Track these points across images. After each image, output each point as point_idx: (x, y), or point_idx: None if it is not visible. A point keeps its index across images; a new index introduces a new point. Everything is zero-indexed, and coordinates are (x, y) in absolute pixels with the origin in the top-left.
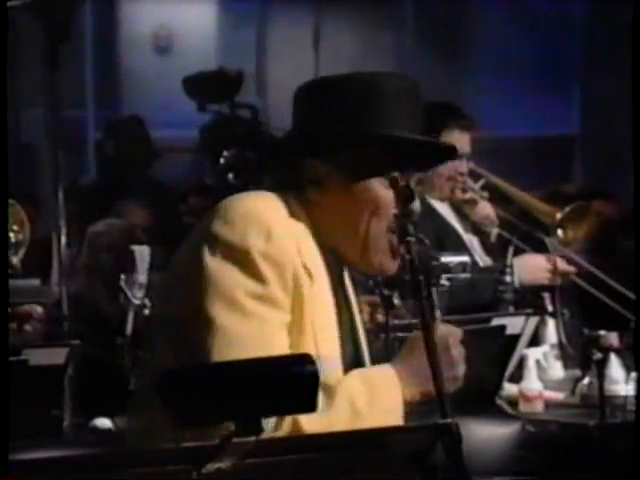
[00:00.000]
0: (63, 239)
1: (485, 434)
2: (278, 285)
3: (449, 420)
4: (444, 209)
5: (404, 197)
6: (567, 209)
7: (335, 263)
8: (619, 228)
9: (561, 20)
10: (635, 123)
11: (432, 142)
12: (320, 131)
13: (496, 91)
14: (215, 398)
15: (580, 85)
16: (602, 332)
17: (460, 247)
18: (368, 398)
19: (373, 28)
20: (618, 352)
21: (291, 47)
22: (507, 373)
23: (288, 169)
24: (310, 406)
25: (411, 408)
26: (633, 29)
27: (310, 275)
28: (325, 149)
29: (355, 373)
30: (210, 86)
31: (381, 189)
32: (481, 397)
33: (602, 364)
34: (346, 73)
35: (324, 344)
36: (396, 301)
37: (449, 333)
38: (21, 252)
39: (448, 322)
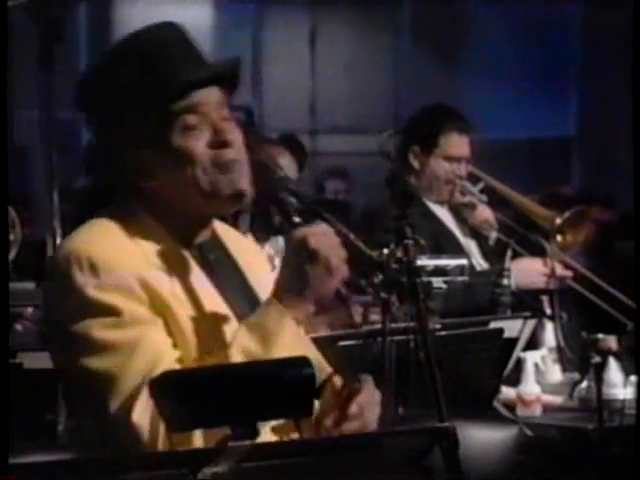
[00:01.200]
0: (58, 241)
1: (482, 438)
2: (129, 303)
3: (446, 424)
4: (442, 212)
5: (402, 199)
6: (567, 214)
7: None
8: (616, 231)
9: (558, 23)
10: (635, 124)
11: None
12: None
13: (493, 93)
14: (211, 402)
15: (577, 87)
16: (600, 335)
17: (458, 251)
18: (262, 342)
19: (369, 29)
20: (617, 355)
21: (287, 48)
22: (505, 376)
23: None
24: (307, 409)
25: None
26: (634, 30)
27: (164, 272)
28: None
29: (242, 324)
30: None
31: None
32: (479, 401)
33: (600, 367)
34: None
35: (206, 324)
36: (395, 304)
37: (305, 232)
38: (12, 252)
39: (445, 325)
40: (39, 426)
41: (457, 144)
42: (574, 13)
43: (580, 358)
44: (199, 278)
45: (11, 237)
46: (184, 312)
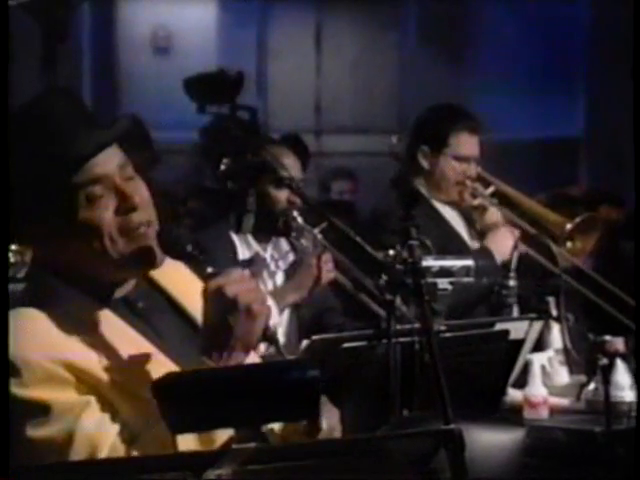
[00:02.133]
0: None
1: (489, 440)
2: (60, 391)
3: (452, 426)
4: (450, 214)
5: (407, 200)
6: (577, 220)
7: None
8: (622, 231)
9: (565, 22)
10: (635, 124)
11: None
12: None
13: (499, 93)
14: (214, 404)
15: (584, 87)
16: (608, 337)
17: (464, 253)
18: None
19: (375, 28)
20: (624, 357)
21: (292, 47)
22: (511, 379)
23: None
24: (311, 412)
25: None
26: (634, 31)
27: (90, 343)
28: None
29: None
30: (210, 87)
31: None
32: (485, 403)
33: (608, 370)
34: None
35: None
36: (402, 307)
37: (220, 281)
38: (22, 273)
39: (450, 326)
40: None
41: (467, 144)
42: (582, 13)
43: (587, 360)
44: (126, 334)
45: (19, 258)
46: (115, 377)
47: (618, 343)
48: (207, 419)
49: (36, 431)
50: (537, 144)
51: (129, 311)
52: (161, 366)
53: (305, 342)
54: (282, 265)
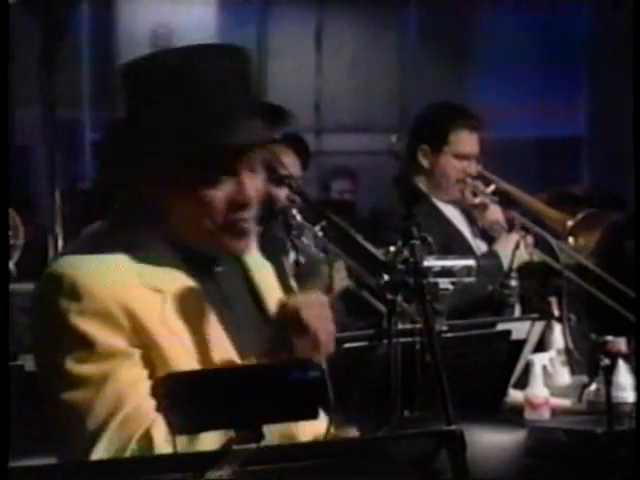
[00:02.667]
0: (60, 241)
1: (490, 441)
2: (108, 334)
3: (453, 427)
4: (452, 212)
5: (408, 199)
6: (579, 216)
7: (205, 262)
8: (625, 231)
9: (568, 21)
10: (636, 125)
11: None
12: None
13: (501, 92)
14: (215, 404)
15: (586, 86)
16: (610, 337)
17: (466, 252)
18: None
19: (376, 27)
20: (626, 358)
21: (292, 46)
22: (512, 379)
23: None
24: (312, 412)
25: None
26: (634, 31)
27: (157, 293)
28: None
29: None
30: None
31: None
32: (486, 403)
33: (610, 370)
34: (167, 55)
35: (201, 348)
36: (403, 305)
37: (300, 302)
38: (15, 256)
39: (451, 327)
40: (39, 429)
41: (467, 142)
42: (584, 12)
43: (589, 361)
44: (201, 307)
45: (13, 241)
46: (171, 341)
47: (620, 343)
48: (208, 420)
49: (74, 365)
50: (539, 143)
51: (212, 286)
52: (222, 351)
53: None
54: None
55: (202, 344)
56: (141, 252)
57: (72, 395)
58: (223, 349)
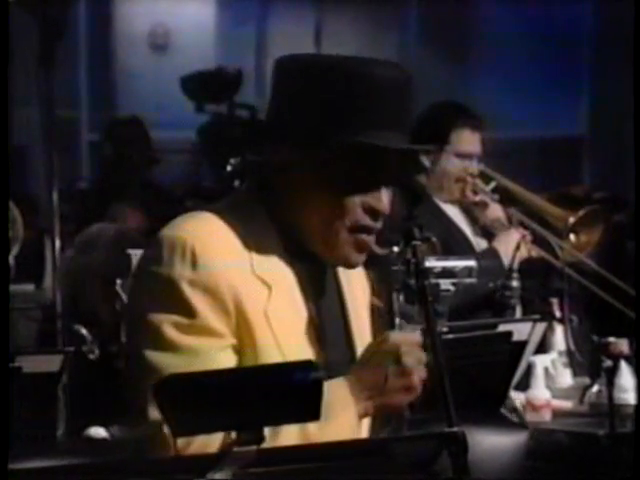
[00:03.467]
0: (57, 242)
1: (491, 443)
2: (212, 312)
3: (455, 429)
4: (453, 211)
5: (410, 199)
6: (580, 213)
7: (310, 261)
8: (627, 231)
9: (569, 21)
10: (636, 125)
11: (414, 151)
12: (293, 123)
13: (502, 91)
14: (216, 405)
15: (588, 86)
16: (612, 339)
17: (468, 251)
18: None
19: (376, 26)
20: (628, 359)
21: (292, 45)
22: (514, 381)
23: (259, 156)
24: (313, 414)
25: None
26: (634, 31)
27: (265, 286)
28: (298, 139)
29: None
30: (209, 86)
31: (350, 199)
32: (487, 405)
33: (612, 372)
34: (337, 57)
35: (293, 353)
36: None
37: (402, 341)
38: (14, 250)
39: (452, 328)
40: (38, 430)
41: (469, 141)
42: (586, 12)
43: (591, 362)
44: (300, 305)
45: (12, 234)
46: (267, 337)
47: (622, 345)
48: (209, 421)
49: (169, 328)
50: (540, 143)
51: (312, 286)
52: (315, 354)
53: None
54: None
55: (295, 347)
56: (255, 236)
57: (159, 357)
58: (311, 352)
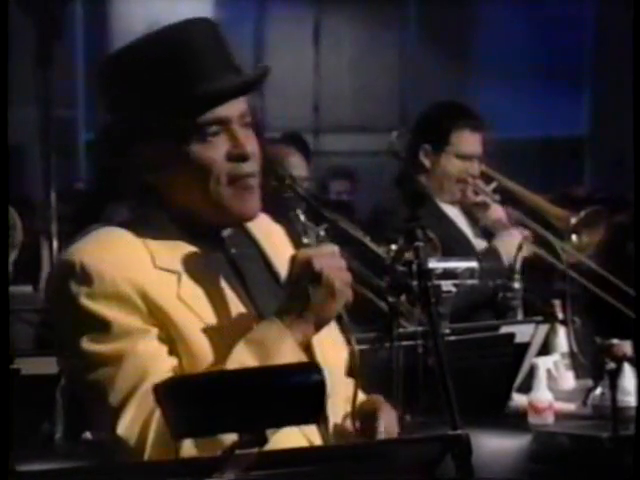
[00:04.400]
0: (55, 243)
1: (494, 446)
2: (121, 313)
3: (459, 431)
4: (453, 213)
5: (413, 200)
6: (582, 214)
7: (215, 234)
8: (629, 232)
9: (571, 21)
10: (636, 125)
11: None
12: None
13: (503, 92)
14: (217, 408)
15: (590, 86)
16: (615, 341)
17: (469, 252)
18: (259, 359)
19: (375, 25)
20: (631, 361)
21: (290, 44)
22: (516, 383)
23: (125, 164)
24: (315, 416)
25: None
26: (634, 31)
27: (172, 274)
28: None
29: (242, 340)
30: None
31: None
32: (489, 408)
33: (615, 374)
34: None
35: (224, 324)
36: (405, 307)
37: (310, 253)
38: (13, 255)
39: (455, 330)
40: (36, 433)
41: (469, 142)
42: (587, 11)
43: (594, 364)
44: (215, 279)
45: (11, 239)
46: (189, 318)
47: (626, 347)
48: (210, 423)
49: (91, 345)
50: (541, 143)
51: (221, 254)
52: (240, 316)
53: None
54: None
55: (220, 317)
56: (150, 232)
57: (94, 375)
58: (241, 318)
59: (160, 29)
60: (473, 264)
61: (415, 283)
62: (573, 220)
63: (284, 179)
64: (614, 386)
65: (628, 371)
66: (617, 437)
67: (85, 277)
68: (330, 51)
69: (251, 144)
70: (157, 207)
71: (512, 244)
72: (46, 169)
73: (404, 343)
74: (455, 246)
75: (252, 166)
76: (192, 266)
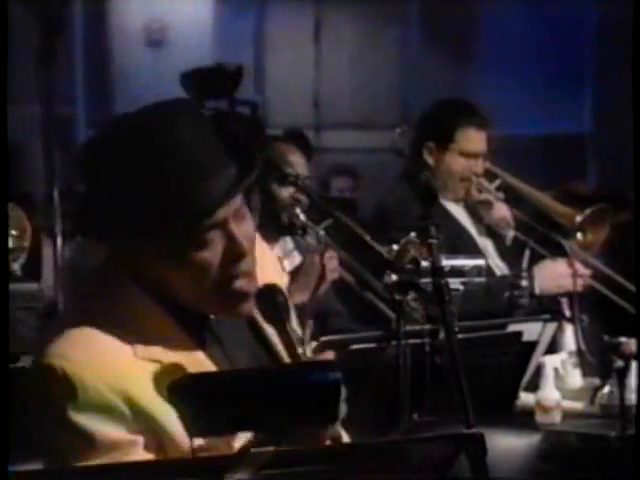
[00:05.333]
0: (59, 241)
1: (501, 445)
2: (109, 427)
3: (474, 430)
4: (457, 211)
5: (426, 198)
6: (587, 212)
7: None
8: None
9: (573, 18)
10: (635, 124)
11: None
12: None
13: (505, 89)
14: (233, 406)
15: (592, 83)
16: (623, 339)
17: (474, 251)
18: None
19: (376, 21)
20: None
21: (291, 40)
22: (523, 381)
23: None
24: (332, 415)
25: None
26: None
27: (154, 363)
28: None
29: None
30: (209, 82)
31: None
32: (497, 406)
33: (623, 372)
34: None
35: None
36: (412, 304)
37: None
38: (21, 259)
39: (462, 328)
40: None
41: (474, 139)
42: (590, 9)
43: (602, 362)
44: (201, 364)
45: (19, 243)
46: (173, 417)
47: (634, 345)
48: (226, 422)
49: (75, 458)
50: (543, 141)
51: (211, 338)
52: None
53: (313, 344)
54: (287, 264)
55: None
56: (132, 321)
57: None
58: None
59: (145, 118)
60: (480, 262)
61: (423, 280)
62: (578, 218)
63: (289, 177)
64: (622, 384)
65: (636, 369)
66: (625, 436)
67: (68, 388)
68: (331, 47)
69: (249, 238)
70: (143, 294)
71: (554, 279)
72: (49, 167)
73: (411, 341)
74: (460, 244)
75: (248, 264)
76: (177, 356)
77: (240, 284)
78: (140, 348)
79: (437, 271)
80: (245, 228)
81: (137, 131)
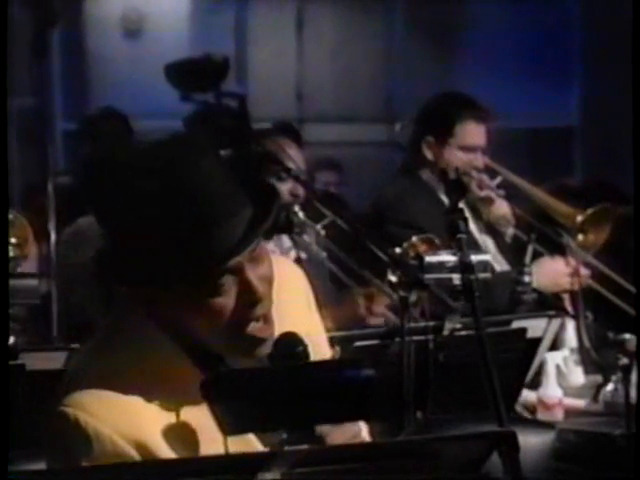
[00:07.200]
0: (53, 236)
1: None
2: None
3: (506, 428)
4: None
5: (455, 192)
6: (589, 211)
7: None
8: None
9: (561, 11)
10: (635, 123)
11: None
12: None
13: (491, 81)
14: (267, 404)
15: (579, 76)
16: (628, 335)
17: (473, 247)
18: None
19: (359, 12)
20: None
21: (272, 30)
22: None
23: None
24: (364, 412)
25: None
26: (634, 26)
27: (170, 412)
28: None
29: None
30: (194, 74)
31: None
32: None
33: (628, 369)
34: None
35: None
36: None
37: None
38: (22, 267)
39: (466, 325)
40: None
41: (474, 133)
42: (576, 2)
43: (606, 360)
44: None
45: (19, 252)
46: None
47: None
48: (260, 420)
49: None
50: (531, 134)
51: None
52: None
53: None
54: None
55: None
56: (150, 364)
57: None
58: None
59: (162, 162)
60: (486, 257)
61: (429, 276)
62: (579, 218)
63: (290, 172)
64: (627, 382)
65: (637, 369)
66: (630, 434)
67: (83, 437)
68: (313, 38)
69: (264, 282)
70: (154, 322)
71: (552, 277)
72: (43, 160)
73: (415, 338)
74: None
75: (264, 307)
76: (193, 397)
77: (255, 328)
78: (156, 396)
79: (466, 267)
80: (261, 271)
81: (154, 179)
